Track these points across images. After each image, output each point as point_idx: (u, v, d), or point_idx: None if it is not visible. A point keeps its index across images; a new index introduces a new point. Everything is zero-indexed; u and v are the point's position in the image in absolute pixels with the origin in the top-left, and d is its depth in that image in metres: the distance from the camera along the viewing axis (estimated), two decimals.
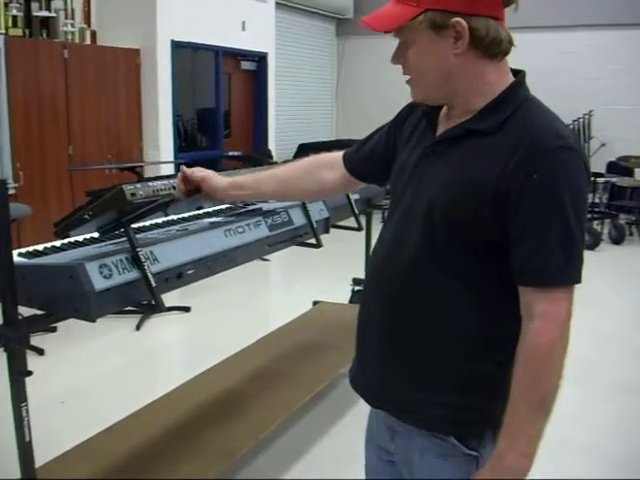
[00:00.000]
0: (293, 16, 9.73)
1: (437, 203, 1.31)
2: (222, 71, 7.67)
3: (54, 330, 4.62)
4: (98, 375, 4.22)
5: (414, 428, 1.41)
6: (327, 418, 3.59)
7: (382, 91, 10.67)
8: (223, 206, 2.91)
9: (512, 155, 1.23)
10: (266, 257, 6.38)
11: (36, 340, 4.43)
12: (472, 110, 1.32)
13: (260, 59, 8.29)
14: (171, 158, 6.94)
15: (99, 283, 1.86)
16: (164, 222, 2.55)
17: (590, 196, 8.68)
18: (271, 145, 8.59)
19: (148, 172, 6.54)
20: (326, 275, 6.22)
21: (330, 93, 11.16)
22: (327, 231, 3.13)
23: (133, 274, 1.98)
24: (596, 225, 8.26)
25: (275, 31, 8.54)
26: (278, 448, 3.25)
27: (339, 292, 4.85)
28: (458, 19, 1.25)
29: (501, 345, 1.33)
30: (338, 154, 1.71)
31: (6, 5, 5.68)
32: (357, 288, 4.78)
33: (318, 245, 2.91)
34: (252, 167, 2.57)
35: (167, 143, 6.88)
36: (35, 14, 5.94)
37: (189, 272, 2.22)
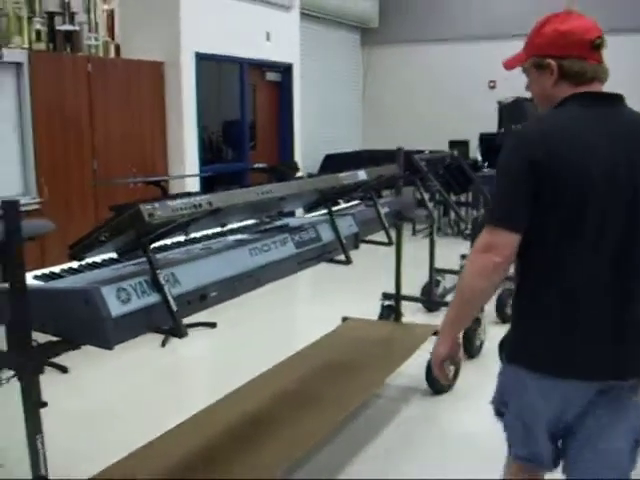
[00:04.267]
0: (318, 26, 9.65)
1: None
2: (247, 82, 7.58)
3: (78, 347, 4.54)
4: (121, 394, 4.12)
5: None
6: (359, 439, 3.45)
7: (408, 100, 10.57)
8: (248, 222, 2.80)
9: None
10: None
11: (60, 357, 4.34)
12: None
13: (285, 70, 8.20)
14: (196, 171, 6.86)
15: (116, 308, 1.75)
16: (186, 240, 2.44)
17: None
18: (297, 156, 8.48)
19: (173, 186, 6.47)
20: (355, 290, 6.07)
21: (356, 103, 11.05)
22: (357, 246, 3.01)
23: (153, 298, 1.87)
24: None
25: (300, 41, 8.44)
26: (309, 472, 3.11)
27: (368, 307, 4.70)
28: (550, 61, 1.79)
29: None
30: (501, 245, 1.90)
31: (29, 19, 5.65)
32: (387, 303, 4.63)
33: (348, 262, 2.78)
34: (278, 179, 2.48)
35: (192, 156, 6.80)
36: (59, 28, 5.90)
37: (213, 294, 2.11)
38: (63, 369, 4.37)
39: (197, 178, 6.80)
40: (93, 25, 6.20)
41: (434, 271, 4.66)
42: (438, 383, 3.92)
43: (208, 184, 6.75)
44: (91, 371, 4.43)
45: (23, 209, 5.22)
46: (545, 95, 1.84)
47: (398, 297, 4.36)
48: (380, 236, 3.42)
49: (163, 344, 4.92)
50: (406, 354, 3.79)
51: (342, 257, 2.81)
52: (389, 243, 3.20)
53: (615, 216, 1.71)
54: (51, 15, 5.93)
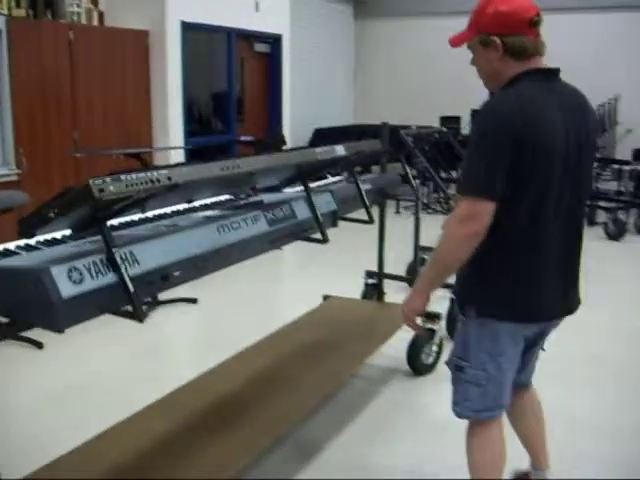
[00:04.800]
0: None
1: None
2: (234, 53, 7.41)
3: (27, 328, 4.42)
4: (97, 370, 4.03)
5: None
6: (335, 422, 3.37)
7: (400, 75, 10.40)
8: (221, 197, 2.69)
9: None
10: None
11: (35, 332, 4.26)
12: None
13: (274, 41, 8.02)
14: (181, 143, 6.72)
15: (67, 289, 1.65)
16: (153, 217, 2.33)
17: (615, 184, 8.38)
18: (286, 130, 8.34)
19: (158, 159, 6.34)
20: (339, 267, 5.98)
21: (347, 77, 10.87)
22: (335, 224, 2.91)
23: (109, 278, 1.76)
24: (621, 215, 7.93)
25: (290, 13, 8.25)
26: (281, 457, 3.03)
27: (351, 285, 4.61)
28: (494, 38, 1.96)
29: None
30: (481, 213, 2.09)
31: None
32: (370, 281, 4.54)
33: (324, 240, 2.68)
34: (264, 152, 2.38)
35: (177, 128, 6.67)
36: None
37: (176, 273, 2.00)
38: (38, 344, 4.28)
39: (182, 151, 6.66)
40: None
41: (419, 249, 4.55)
42: (419, 364, 3.85)
43: (194, 157, 6.63)
44: (66, 347, 4.33)
45: (1, 180, 5.07)
46: (492, 69, 2.01)
47: (380, 275, 4.27)
48: (362, 214, 3.33)
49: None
50: (386, 334, 3.70)
51: (319, 236, 2.71)
52: (369, 221, 3.10)
53: (567, 182, 1.96)
54: None
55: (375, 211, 4.01)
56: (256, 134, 7.93)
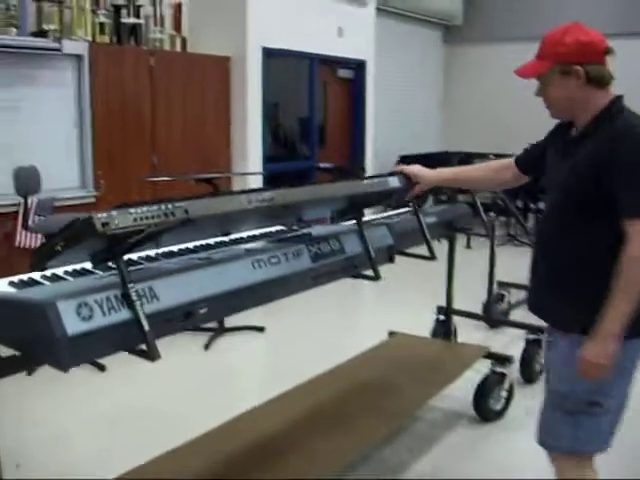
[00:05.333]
0: (396, 22, 9.31)
1: (565, 183, 2.07)
2: (317, 79, 7.36)
3: (37, 364, 4.40)
4: (155, 397, 3.98)
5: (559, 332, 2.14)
6: (391, 467, 3.17)
7: (490, 102, 10.09)
8: (271, 229, 2.56)
9: (607, 142, 1.96)
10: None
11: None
12: (582, 122, 2.07)
13: (358, 67, 7.92)
14: (260, 169, 6.69)
15: (74, 326, 1.54)
16: (193, 247, 2.23)
17: None
18: (368, 156, 8.21)
19: (236, 183, 6.32)
20: (410, 302, 5.74)
21: (435, 103, 10.65)
22: (391, 260, 2.72)
23: (122, 315, 1.65)
24: None
25: (375, 38, 8.15)
26: None
27: (421, 321, 4.38)
28: (577, 67, 2.00)
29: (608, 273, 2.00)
30: (510, 159, 2.49)
31: (93, 12, 5.60)
32: (442, 318, 4.31)
33: (376, 277, 2.50)
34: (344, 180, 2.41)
35: (255, 153, 6.64)
36: (123, 21, 5.84)
37: (202, 311, 1.87)
38: (100, 367, 4.27)
39: (260, 176, 6.62)
40: (159, 18, 6.11)
41: (494, 285, 4.30)
42: (487, 409, 3.60)
43: (274, 182, 6.58)
44: (128, 372, 4.30)
45: (78, 202, 5.15)
46: (571, 98, 2.05)
47: (449, 312, 4.04)
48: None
49: (206, 347, 4.77)
50: (452, 376, 3.48)
51: (371, 272, 2.53)
52: (431, 257, 2.89)
53: None
54: (117, 8, 5.88)
55: (445, 245, 3.84)
56: (338, 160, 7.84)
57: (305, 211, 2.34)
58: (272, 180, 6.64)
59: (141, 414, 3.73)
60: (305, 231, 2.49)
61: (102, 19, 5.65)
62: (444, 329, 4.18)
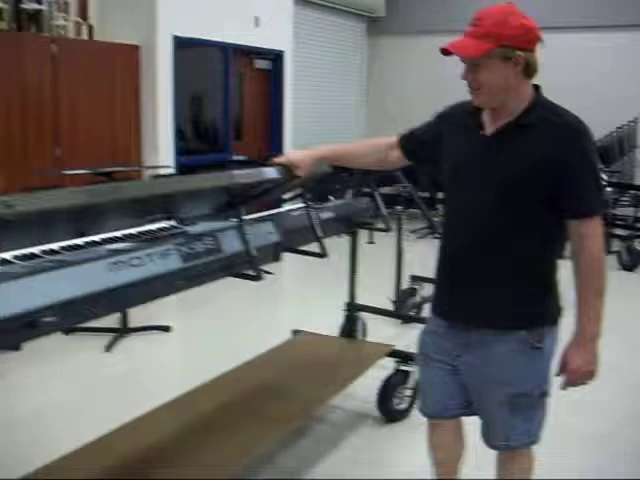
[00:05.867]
0: (317, 13, 9.20)
1: (508, 176, 1.94)
2: (232, 69, 7.16)
3: (18, 348, 4.19)
4: (54, 402, 3.78)
5: (490, 334, 2.06)
6: (290, 471, 3.06)
7: (415, 94, 10.08)
8: (140, 229, 2.40)
9: (556, 136, 1.91)
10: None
11: None
12: (512, 112, 1.97)
13: (276, 57, 7.77)
14: (171, 162, 6.47)
15: None
16: (45, 251, 2.05)
17: (632, 210, 8.00)
18: (287, 148, 8.07)
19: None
20: (324, 296, 5.65)
21: (360, 95, 10.59)
22: (277, 258, 2.61)
23: None
24: (637, 244, 7.52)
25: (295, 28, 8.00)
26: None
27: (334, 317, 4.28)
28: (520, 53, 1.89)
29: (550, 267, 2.07)
30: (394, 138, 2.33)
31: None
32: (354, 314, 4.21)
33: (257, 277, 2.38)
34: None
35: (166, 145, 6.41)
36: (22, 6, 5.53)
37: (48, 319, 1.71)
38: None
39: (172, 170, 6.41)
40: (62, 5, 5.81)
41: (401, 280, 4.23)
42: (390, 409, 3.52)
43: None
44: (27, 375, 4.10)
45: None
46: (506, 86, 1.93)
47: (352, 309, 3.95)
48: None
49: (108, 348, 4.56)
50: (352, 376, 3.39)
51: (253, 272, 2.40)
52: (322, 254, 2.78)
53: None
54: None
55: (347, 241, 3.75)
56: (256, 153, 7.68)
57: (171, 206, 2.19)
58: (184, 174, 6.43)
59: (26, 424, 3.51)
60: (179, 230, 2.34)
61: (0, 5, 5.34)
62: (350, 326, 4.09)
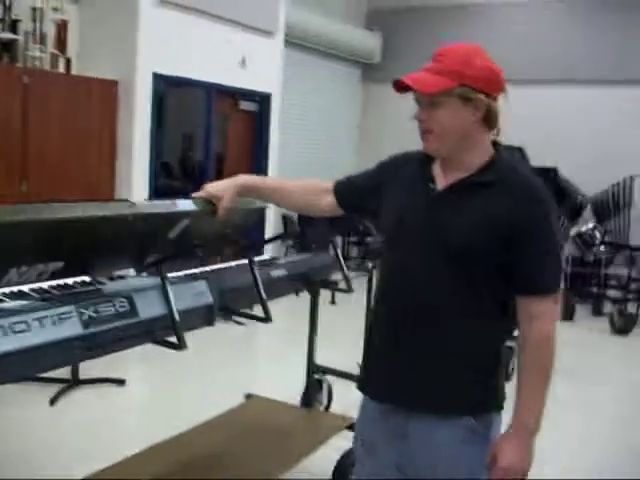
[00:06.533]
0: (309, 56, 9.04)
1: (460, 244, 1.70)
2: (214, 110, 6.94)
3: None
4: None
5: (433, 419, 1.75)
6: None
7: (408, 140, 9.87)
8: (51, 282, 2.11)
9: (517, 202, 1.68)
10: (240, 320, 5.55)
11: None
12: (469, 166, 1.75)
13: (262, 100, 7.56)
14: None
15: None
16: None
17: (625, 271, 7.75)
18: None
19: None
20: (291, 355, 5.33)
21: (352, 140, 10.39)
22: (210, 323, 2.30)
23: None
24: (631, 306, 7.22)
25: (285, 71, 7.81)
26: None
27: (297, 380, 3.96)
28: (482, 97, 1.69)
29: (500, 346, 1.80)
30: (331, 183, 2.08)
31: None
32: (317, 377, 3.90)
33: (180, 346, 2.07)
34: None
35: (141, 185, 6.16)
36: None
37: None
38: None
39: None
40: (38, 36, 5.61)
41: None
42: None
43: None
44: None
45: None
46: (462, 132, 1.72)
47: (310, 372, 3.63)
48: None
49: (52, 402, 4.23)
50: (301, 453, 3.06)
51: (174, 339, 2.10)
52: (265, 319, 2.48)
53: None
54: None
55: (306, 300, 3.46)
56: None
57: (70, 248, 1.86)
58: None
59: None
60: (91, 288, 2.05)
61: None
62: (312, 391, 3.77)
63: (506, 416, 1.78)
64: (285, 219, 8.18)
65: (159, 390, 4.68)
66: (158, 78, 6.14)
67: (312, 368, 3.60)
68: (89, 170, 5.95)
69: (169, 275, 2.45)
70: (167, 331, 2.08)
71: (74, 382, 4.43)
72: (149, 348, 2.18)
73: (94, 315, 1.85)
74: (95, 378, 4.52)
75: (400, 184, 1.87)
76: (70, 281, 2.17)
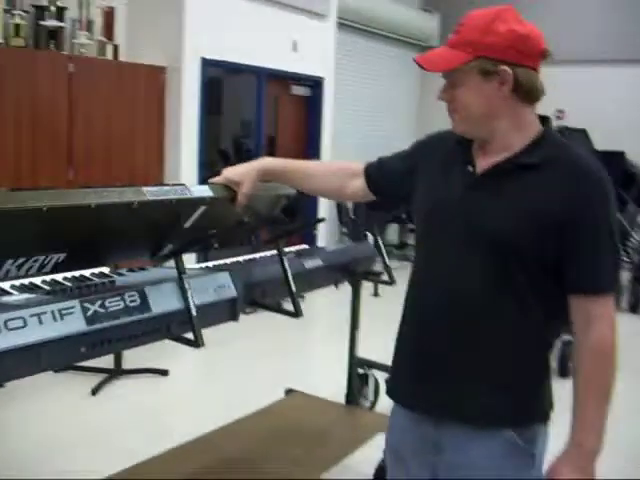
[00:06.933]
0: (364, 40, 8.81)
1: (503, 233, 1.48)
2: (264, 95, 6.80)
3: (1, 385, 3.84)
4: (35, 442, 3.44)
5: (469, 431, 1.54)
6: None
7: None
8: (65, 274, 1.98)
9: (569, 186, 1.45)
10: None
11: None
12: (510, 146, 1.52)
13: (315, 84, 7.38)
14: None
15: None
16: None
17: None
18: None
19: None
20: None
21: (410, 127, 10.12)
22: (234, 317, 2.15)
23: None
24: None
25: (337, 54, 7.61)
26: None
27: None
28: (505, 68, 1.45)
29: (546, 349, 1.60)
30: (361, 165, 1.88)
31: (7, 12, 5.05)
32: (361, 371, 3.73)
33: (196, 343, 1.92)
34: None
35: (190, 173, 6.07)
36: (42, 23, 5.30)
37: None
38: None
39: None
40: (84, 23, 5.55)
41: None
42: None
43: None
44: (6, 415, 3.75)
45: None
46: (490, 110, 1.50)
47: (352, 366, 3.44)
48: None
49: (94, 392, 4.17)
50: (346, 450, 2.91)
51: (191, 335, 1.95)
52: (296, 314, 2.31)
53: None
54: (42, 9, 5.35)
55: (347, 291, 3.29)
56: None
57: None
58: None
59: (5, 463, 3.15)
60: (103, 280, 1.92)
61: (17, 20, 5.11)
62: (356, 387, 3.60)
63: (558, 428, 1.58)
64: (339, 205, 7.98)
65: (201, 382, 4.61)
66: (207, 63, 6.01)
67: (354, 363, 3.41)
68: (136, 158, 5.89)
69: (195, 266, 2.33)
70: (185, 326, 1.93)
71: (117, 372, 4.38)
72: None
73: (100, 310, 1.72)
74: (139, 368, 4.45)
75: (436, 166, 1.68)
76: (87, 272, 2.07)
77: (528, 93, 1.50)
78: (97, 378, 4.26)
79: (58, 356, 1.65)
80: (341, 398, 3.52)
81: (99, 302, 1.72)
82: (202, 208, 1.89)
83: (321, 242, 7.50)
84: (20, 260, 1.62)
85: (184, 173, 6.01)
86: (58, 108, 5.25)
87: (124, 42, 6.00)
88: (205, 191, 1.89)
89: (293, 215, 5.43)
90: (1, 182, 4.91)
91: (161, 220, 1.83)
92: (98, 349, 1.74)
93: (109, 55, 5.79)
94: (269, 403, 3.40)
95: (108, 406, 4.04)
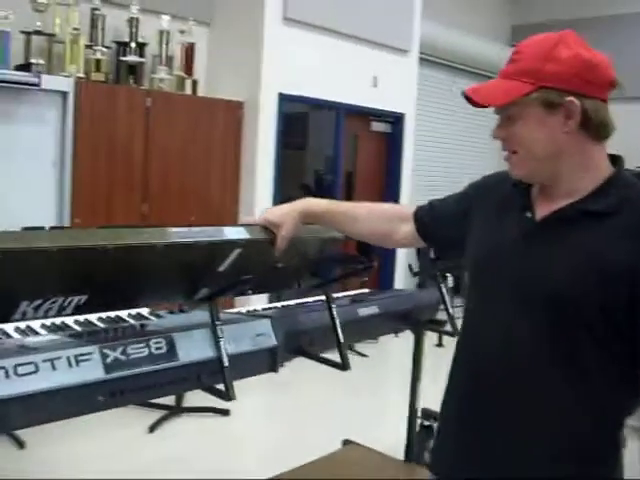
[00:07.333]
0: (445, 74, 8.63)
1: (562, 289, 1.28)
2: (343, 131, 6.70)
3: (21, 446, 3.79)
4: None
5: None
6: None
7: None
8: (100, 314, 1.90)
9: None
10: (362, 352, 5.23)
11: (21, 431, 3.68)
12: (577, 190, 1.33)
13: (396, 120, 7.24)
14: None
15: None
16: None
17: None
18: None
19: None
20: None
21: (491, 164, 9.82)
22: (273, 369, 2.00)
23: None
24: None
25: (418, 90, 7.47)
26: None
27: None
28: (572, 99, 1.28)
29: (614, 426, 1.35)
30: (410, 209, 1.76)
31: (89, 47, 5.17)
32: (427, 423, 3.51)
33: (228, 397, 1.78)
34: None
35: (265, 206, 6.01)
36: (122, 59, 5.40)
37: None
38: (20, 443, 3.68)
39: None
40: (164, 58, 5.63)
41: None
42: None
43: None
44: (51, 450, 3.71)
45: None
46: (554, 148, 1.31)
47: (411, 426, 3.23)
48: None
49: (152, 429, 4.10)
50: None
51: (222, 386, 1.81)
52: (343, 366, 2.14)
53: None
54: (123, 45, 5.47)
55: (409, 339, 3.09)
56: None
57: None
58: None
59: None
60: (136, 323, 1.82)
61: (98, 55, 5.22)
62: (430, 437, 3.38)
63: None
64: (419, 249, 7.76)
65: (260, 425, 4.49)
66: (284, 98, 5.98)
67: (414, 416, 3.20)
68: (211, 194, 5.88)
69: (236, 310, 2.21)
70: (217, 376, 1.80)
71: (178, 409, 4.30)
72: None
73: (121, 357, 1.61)
74: (200, 407, 4.36)
75: (491, 211, 1.52)
76: (124, 314, 1.98)
77: (598, 128, 1.31)
78: (156, 414, 4.19)
79: (72, 405, 1.55)
80: (401, 451, 3.31)
81: (120, 348, 1.61)
82: (237, 251, 1.76)
83: (398, 284, 7.30)
84: (37, 302, 1.54)
85: (258, 207, 5.96)
86: (135, 142, 5.31)
87: (203, 77, 6.07)
88: (240, 233, 1.76)
89: (368, 254, 5.30)
90: (77, 216, 5.00)
91: (191, 263, 1.71)
92: (118, 398, 1.63)
93: (188, 90, 5.85)
94: (327, 452, 3.24)
95: (164, 444, 3.96)
